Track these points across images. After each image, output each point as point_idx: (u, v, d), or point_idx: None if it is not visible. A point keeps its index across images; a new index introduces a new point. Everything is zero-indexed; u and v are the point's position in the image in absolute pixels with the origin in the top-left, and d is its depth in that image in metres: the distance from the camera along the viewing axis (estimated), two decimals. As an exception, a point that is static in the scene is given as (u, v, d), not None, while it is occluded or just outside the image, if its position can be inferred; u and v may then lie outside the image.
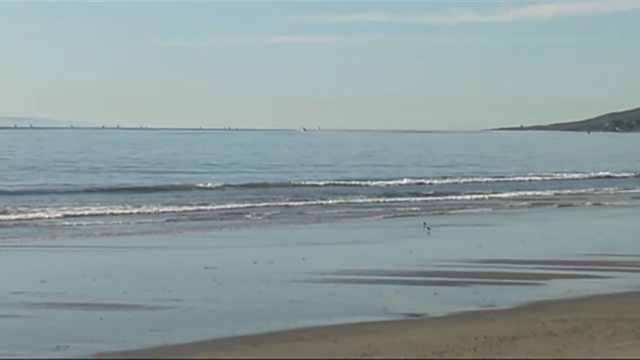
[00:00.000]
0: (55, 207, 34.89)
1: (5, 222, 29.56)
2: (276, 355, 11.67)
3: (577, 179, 58.29)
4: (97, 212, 33.74)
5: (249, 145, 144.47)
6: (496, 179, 57.70)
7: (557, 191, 46.04)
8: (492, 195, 44.35)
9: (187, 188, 46.02)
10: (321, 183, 50.48)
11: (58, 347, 12.28)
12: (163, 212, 33.61)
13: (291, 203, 38.55)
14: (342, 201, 39.47)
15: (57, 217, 31.77)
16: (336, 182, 52.11)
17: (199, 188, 46.33)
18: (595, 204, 40.26)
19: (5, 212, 32.27)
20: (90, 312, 14.94)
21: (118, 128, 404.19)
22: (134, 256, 22.94)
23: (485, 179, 57.03)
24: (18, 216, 31.20)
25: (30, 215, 31.03)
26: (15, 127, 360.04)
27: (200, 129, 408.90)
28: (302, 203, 38.72)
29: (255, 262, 20.63)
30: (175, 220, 31.25)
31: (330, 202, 38.83)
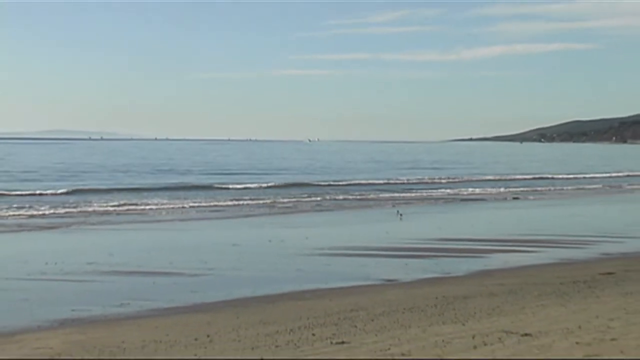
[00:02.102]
0: (126, 200, 35.12)
1: (85, 213, 29.69)
2: (286, 310, 11.97)
3: (516, 179, 57.91)
4: (154, 203, 33.84)
5: (274, 153, 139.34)
6: (451, 178, 57.37)
7: (502, 189, 45.92)
8: (449, 190, 44.32)
9: (216, 188, 45.34)
10: (323, 183, 49.61)
11: (121, 304, 12.76)
12: (208, 205, 33.31)
13: (306, 199, 37.99)
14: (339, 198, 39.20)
15: (121, 207, 31.91)
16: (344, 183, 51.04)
17: (250, 188, 45.12)
18: (535, 198, 40.29)
19: (89, 204, 32.62)
20: (146, 278, 15.31)
21: (167, 139, 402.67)
22: (179, 236, 23.22)
23: (445, 179, 56.74)
24: (92, 208, 31.17)
25: (95, 209, 30.98)
26: (90, 139, 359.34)
27: (229, 139, 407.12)
28: (318, 198, 38.13)
29: (270, 241, 20.80)
30: (217, 211, 31.19)
31: (327, 197, 38.46)
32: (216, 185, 46.48)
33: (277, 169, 74.01)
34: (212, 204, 34.28)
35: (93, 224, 25.98)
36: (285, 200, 36.39)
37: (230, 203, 34.49)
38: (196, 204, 33.66)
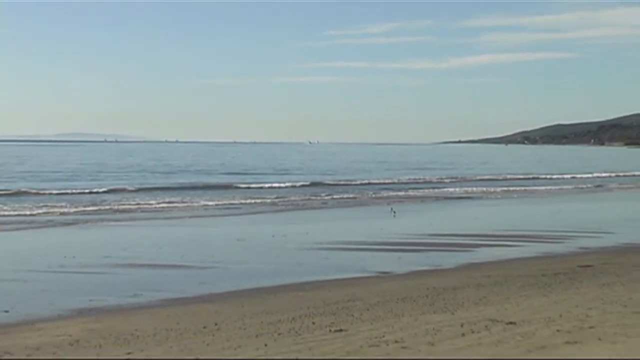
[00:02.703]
0: (143, 199, 35.21)
1: (104, 210, 29.75)
2: (288, 300, 12.00)
3: (502, 179, 57.80)
4: (167, 201, 33.88)
5: (284, 154, 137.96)
6: (441, 178, 57.40)
7: (488, 188, 45.94)
8: (439, 189, 44.38)
9: (227, 187, 45.21)
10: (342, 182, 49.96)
11: (135, 294, 12.76)
12: (216, 204, 32.99)
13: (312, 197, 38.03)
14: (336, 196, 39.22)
15: (137, 205, 31.98)
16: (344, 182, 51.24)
17: (271, 188, 44.95)
18: (519, 196, 40.30)
19: (107, 203, 32.63)
20: (158, 270, 15.33)
21: (177, 142, 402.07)
22: (189, 231, 23.25)
23: (436, 178, 56.81)
24: (109, 206, 31.24)
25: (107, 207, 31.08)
26: (105, 141, 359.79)
27: (235, 142, 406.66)
28: (327, 197, 38.18)
29: (273, 236, 20.79)
30: (227, 208, 31.14)
31: (324, 196, 38.48)
32: (244, 185, 46.22)
33: (295, 169, 73.93)
34: (227, 202, 33.95)
35: (109, 220, 25.99)
36: (316, 198, 36.61)
37: (243, 201, 34.11)
38: (214, 203, 33.42)
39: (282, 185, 46.64)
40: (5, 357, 8.49)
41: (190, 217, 27.61)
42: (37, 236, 22.08)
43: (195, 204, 32.78)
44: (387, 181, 52.88)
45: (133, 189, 42.02)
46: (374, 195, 39.61)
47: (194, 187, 44.53)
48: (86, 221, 25.38)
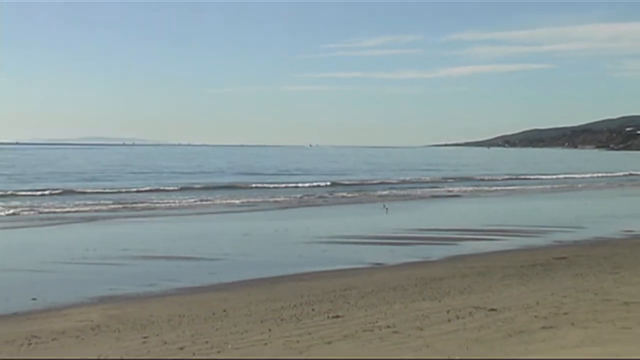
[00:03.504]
0: (161, 197, 35.01)
1: (130, 207, 29.70)
2: (289, 289, 11.99)
3: (485, 179, 57.50)
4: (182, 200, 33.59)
5: (292, 157, 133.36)
6: (429, 178, 57.29)
7: (473, 187, 45.79)
8: (428, 189, 44.30)
9: (238, 187, 44.81)
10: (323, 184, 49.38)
11: (151, 284, 12.74)
12: (229, 202, 32.57)
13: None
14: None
15: (155, 203, 31.84)
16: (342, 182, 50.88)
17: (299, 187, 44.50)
18: (501, 195, 40.25)
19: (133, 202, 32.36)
20: (171, 262, 15.30)
21: (189, 145, 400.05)
22: (200, 226, 23.13)
23: (425, 178, 56.62)
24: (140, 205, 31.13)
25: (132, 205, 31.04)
26: (124, 145, 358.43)
27: (242, 145, 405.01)
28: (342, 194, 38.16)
29: (276, 230, 20.76)
30: (247, 206, 30.89)
31: (325, 195, 38.43)
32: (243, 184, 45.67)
33: (313, 170, 73.06)
34: (247, 200, 33.42)
35: (129, 217, 25.95)
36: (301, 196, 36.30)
37: (261, 200, 33.55)
38: (221, 200, 33.15)
39: (305, 185, 46.05)
40: (33, 341, 8.51)
41: (206, 213, 27.51)
42: (66, 231, 22.08)
43: (218, 202, 32.51)
44: (392, 181, 52.41)
45: (172, 188, 41.28)
46: (378, 194, 39.19)
47: (218, 187, 43.56)
48: (110, 217, 25.38)
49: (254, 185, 45.63)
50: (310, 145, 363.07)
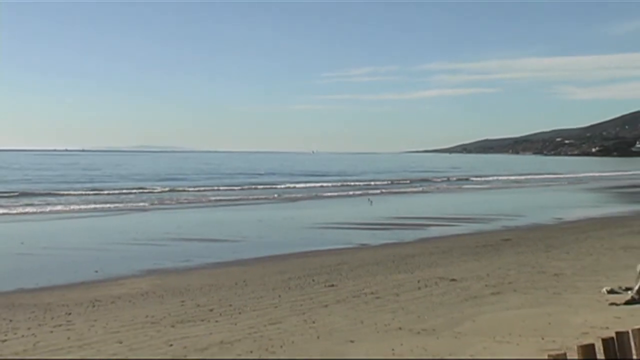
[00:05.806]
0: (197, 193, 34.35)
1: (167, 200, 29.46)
2: (295, 264, 11.89)
3: (449, 179, 56.75)
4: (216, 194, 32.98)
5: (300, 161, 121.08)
6: (405, 179, 56.54)
7: (437, 185, 45.40)
8: (407, 188, 44.04)
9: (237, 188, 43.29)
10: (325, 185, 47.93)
11: (187, 260, 12.68)
12: (257, 198, 31.23)
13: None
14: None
15: (193, 197, 31.40)
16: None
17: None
18: (460, 191, 40.02)
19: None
20: (203, 243, 15.22)
21: (215, 151, 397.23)
22: (225, 214, 23.05)
23: (406, 179, 55.94)
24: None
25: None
26: (164, 152, 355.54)
27: (257, 151, 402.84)
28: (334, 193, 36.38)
29: (284, 218, 20.65)
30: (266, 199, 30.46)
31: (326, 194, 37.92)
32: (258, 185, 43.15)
33: (329, 172, 68.43)
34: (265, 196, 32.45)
35: (169, 208, 25.91)
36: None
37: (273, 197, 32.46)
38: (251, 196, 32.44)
39: (336, 184, 44.07)
40: (97, 304, 8.51)
41: (229, 205, 27.32)
42: (122, 219, 22.04)
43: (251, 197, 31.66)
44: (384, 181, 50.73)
45: (218, 187, 39.12)
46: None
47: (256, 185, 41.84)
48: (146, 209, 25.22)
49: (279, 186, 41.73)
50: (313, 152, 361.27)
